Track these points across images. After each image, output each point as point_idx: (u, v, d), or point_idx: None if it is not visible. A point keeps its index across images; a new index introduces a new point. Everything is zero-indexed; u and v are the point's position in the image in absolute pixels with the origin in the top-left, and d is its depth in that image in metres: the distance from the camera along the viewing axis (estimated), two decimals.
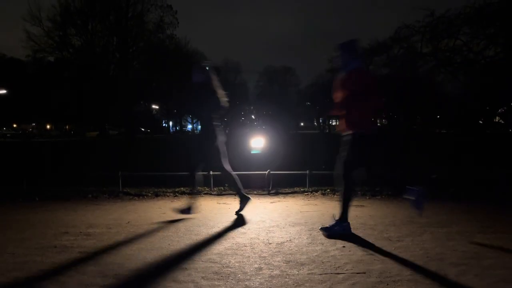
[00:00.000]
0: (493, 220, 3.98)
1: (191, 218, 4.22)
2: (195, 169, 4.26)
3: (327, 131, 62.25)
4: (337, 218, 3.55)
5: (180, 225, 3.93)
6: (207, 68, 4.25)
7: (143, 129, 50.45)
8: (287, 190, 5.89)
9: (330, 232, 3.49)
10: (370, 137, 3.47)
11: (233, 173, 4.36)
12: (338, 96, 3.50)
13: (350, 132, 3.47)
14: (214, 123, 4.22)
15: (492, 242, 3.22)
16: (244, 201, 4.39)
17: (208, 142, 4.19)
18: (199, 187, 4.46)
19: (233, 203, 5.12)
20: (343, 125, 3.53)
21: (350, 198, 3.54)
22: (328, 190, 5.73)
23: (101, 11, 35.61)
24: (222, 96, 4.27)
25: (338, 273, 2.56)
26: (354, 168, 3.52)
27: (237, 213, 4.36)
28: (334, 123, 71.40)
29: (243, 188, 4.41)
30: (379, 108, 3.63)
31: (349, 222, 3.55)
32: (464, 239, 3.33)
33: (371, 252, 3.00)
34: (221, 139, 4.26)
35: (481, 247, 3.09)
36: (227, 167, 4.32)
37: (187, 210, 4.25)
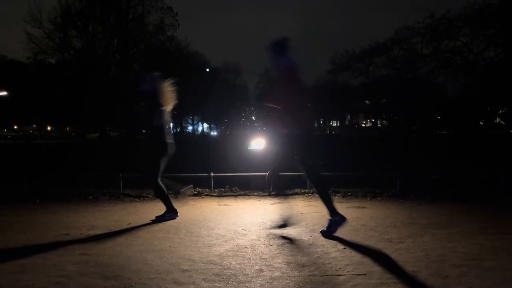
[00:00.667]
0: (494, 221, 3.98)
1: (191, 219, 4.22)
2: (157, 179, 4.24)
3: (328, 132, 62.22)
4: (329, 217, 3.56)
5: (181, 226, 3.93)
6: (156, 77, 4.26)
7: (144, 131, 50.45)
8: (287, 191, 5.87)
9: (331, 231, 3.50)
10: (306, 135, 3.50)
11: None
12: (274, 95, 3.54)
13: (286, 130, 3.51)
14: (164, 134, 4.20)
15: (493, 243, 3.22)
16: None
17: (155, 153, 4.18)
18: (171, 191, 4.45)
19: (234, 205, 5.12)
20: (279, 123, 3.56)
21: (326, 192, 3.57)
22: (329, 191, 5.72)
23: (102, 13, 35.65)
24: (170, 104, 4.29)
25: (339, 275, 2.56)
26: (312, 164, 3.54)
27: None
28: (334, 124, 71.43)
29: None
30: (309, 106, 3.63)
31: (341, 214, 3.54)
32: (465, 240, 3.33)
33: (372, 253, 3.00)
34: (170, 152, 4.25)
35: (482, 248, 3.09)
36: (159, 181, 4.26)
37: (163, 217, 4.25)
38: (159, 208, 4.95)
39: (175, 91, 4.40)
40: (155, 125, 4.17)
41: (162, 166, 4.22)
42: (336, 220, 3.50)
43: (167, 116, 4.26)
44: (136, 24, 36.88)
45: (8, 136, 44.24)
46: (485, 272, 2.58)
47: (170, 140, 4.24)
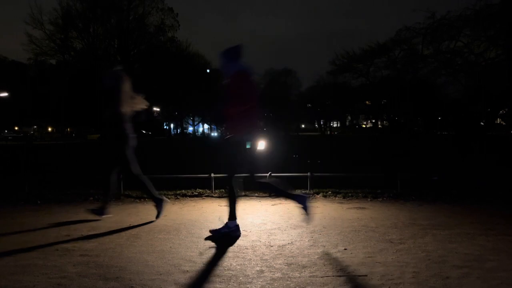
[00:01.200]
0: (495, 222, 3.97)
1: (192, 220, 4.22)
2: (111, 174, 4.27)
3: (329, 133, 62.23)
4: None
5: (181, 227, 3.93)
6: (118, 73, 4.27)
7: (144, 132, 50.49)
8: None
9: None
10: (249, 142, 3.52)
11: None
12: (226, 101, 3.54)
13: (235, 135, 3.53)
14: (124, 128, 4.20)
15: (494, 244, 3.22)
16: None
17: (118, 147, 4.19)
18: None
19: None
20: (230, 128, 3.59)
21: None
22: (330, 192, 5.72)
23: (103, 14, 35.74)
24: (138, 102, 4.30)
25: (339, 276, 2.56)
26: (239, 171, 3.57)
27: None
28: (335, 125, 71.45)
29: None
30: (255, 113, 3.62)
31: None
32: (466, 241, 3.33)
33: (372, 254, 2.99)
34: (131, 144, 4.26)
35: (483, 250, 3.08)
36: (137, 171, 4.28)
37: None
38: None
39: (141, 95, 4.40)
40: (114, 120, 4.17)
41: (130, 157, 4.23)
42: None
43: (128, 113, 4.25)
44: (137, 25, 36.98)
45: (9, 137, 44.28)
46: (486, 273, 2.57)
47: (131, 134, 4.24)
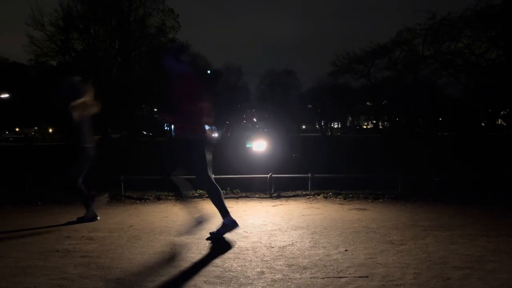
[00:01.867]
0: (497, 223, 3.97)
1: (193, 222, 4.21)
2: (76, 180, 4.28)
3: (329, 133, 62.18)
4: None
5: (182, 229, 3.92)
6: (76, 82, 4.28)
7: (144, 132, 50.53)
8: (289, 193, 5.88)
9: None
10: (201, 142, 3.53)
11: (83, 187, 4.34)
12: (171, 101, 3.55)
13: (182, 136, 3.53)
14: (83, 137, 4.23)
15: (496, 246, 3.21)
16: (90, 213, 4.31)
17: (78, 154, 4.23)
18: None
19: (235, 207, 5.12)
20: (176, 129, 3.60)
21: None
22: (330, 193, 5.72)
23: (103, 15, 35.78)
24: (92, 107, 4.29)
25: (340, 277, 2.56)
26: (206, 169, 3.54)
27: (79, 221, 4.24)
28: (335, 126, 71.41)
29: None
30: (207, 114, 3.64)
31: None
32: (467, 242, 3.32)
33: (373, 255, 2.99)
34: (91, 153, 4.29)
35: (484, 251, 3.08)
36: (79, 182, 4.31)
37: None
38: (161, 210, 4.96)
39: (98, 102, 4.38)
40: (74, 130, 4.20)
41: (85, 167, 4.29)
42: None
43: (86, 121, 4.27)
44: (137, 26, 37.00)
45: (10, 139, 44.32)
46: (487, 275, 2.57)
47: (89, 144, 4.27)
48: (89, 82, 4.39)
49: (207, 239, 3.52)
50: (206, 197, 5.74)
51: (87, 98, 4.28)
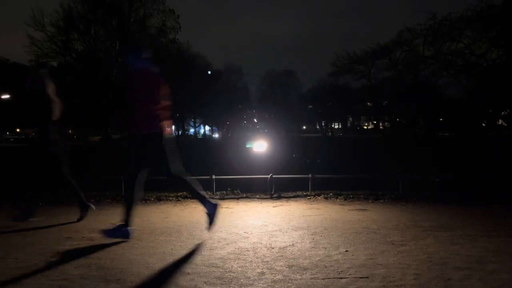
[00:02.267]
0: (497, 224, 3.97)
1: (193, 222, 4.21)
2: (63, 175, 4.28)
3: (330, 134, 62.15)
4: (121, 223, 3.54)
5: (183, 229, 3.93)
6: (42, 76, 4.25)
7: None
8: (289, 194, 5.88)
9: (113, 234, 3.48)
10: (159, 137, 3.51)
11: (73, 180, 4.34)
12: (130, 98, 3.56)
13: (138, 132, 3.53)
14: (50, 130, 4.22)
15: (496, 246, 3.21)
16: (85, 210, 4.33)
17: (44, 149, 4.21)
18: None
19: (236, 207, 5.12)
20: (132, 125, 3.59)
21: (133, 200, 3.55)
22: (331, 194, 5.72)
23: (104, 16, 35.79)
24: (57, 105, 4.27)
25: (341, 278, 2.55)
26: (142, 168, 3.54)
27: (78, 221, 4.26)
28: (336, 127, 71.36)
29: (83, 196, 4.39)
30: (165, 111, 3.63)
31: (132, 228, 3.56)
32: (468, 243, 3.32)
33: (374, 256, 2.99)
34: (60, 146, 4.29)
35: (485, 251, 3.07)
36: (66, 172, 4.32)
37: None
38: (161, 211, 4.96)
39: (60, 98, 4.36)
40: (41, 125, 4.19)
41: (61, 157, 4.28)
42: (125, 231, 3.50)
43: (56, 116, 4.26)
44: (138, 27, 37.01)
45: (11, 139, 44.34)
46: (488, 275, 2.56)
47: (55, 137, 4.27)
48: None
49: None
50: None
51: (52, 92, 4.25)
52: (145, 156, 3.56)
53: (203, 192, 3.65)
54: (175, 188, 6.00)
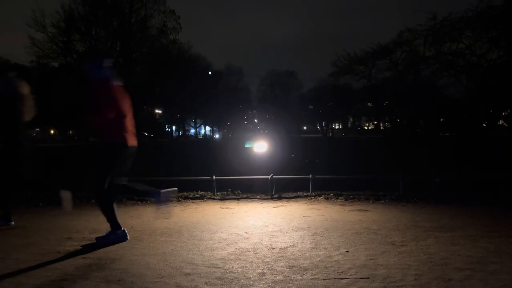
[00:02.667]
0: (498, 224, 3.96)
1: (194, 223, 4.22)
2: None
3: (331, 134, 62.13)
4: (109, 229, 3.52)
5: (183, 230, 3.93)
6: (12, 78, 4.20)
7: (146, 134, 50.64)
8: (290, 194, 5.88)
9: (105, 240, 3.45)
10: (122, 147, 3.50)
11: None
12: (89, 106, 3.52)
13: (101, 140, 3.52)
14: (18, 133, 4.16)
15: (497, 247, 3.21)
16: (3, 220, 4.20)
17: (11, 152, 4.14)
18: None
19: (236, 208, 5.12)
20: (94, 132, 3.60)
21: (108, 206, 3.50)
22: (332, 194, 5.72)
23: (105, 17, 35.82)
24: (29, 108, 4.22)
25: (341, 278, 2.55)
26: (107, 177, 3.48)
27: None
28: (336, 127, 71.35)
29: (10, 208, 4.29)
30: (126, 122, 3.58)
31: (124, 229, 3.54)
32: (469, 243, 3.32)
33: (374, 257, 2.99)
34: (28, 147, 4.24)
35: (486, 252, 3.07)
36: (23, 173, 4.27)
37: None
38: (161, 211, 4.95)
39: (33, 97, 4.30)
40: (10, 129, 4.11)
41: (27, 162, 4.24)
42: (117, 234, 3.49)
43: (26, 119, 4.21)
44: (139, 27, 37.04)
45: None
46: (489, 276, 2.56)
47: (23, 141, 4.21)
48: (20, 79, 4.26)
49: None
50: (207, 199, 5.75)
51: (28, 95, 4.20)
52: (107, 164, 3.50)
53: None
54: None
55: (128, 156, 3.57)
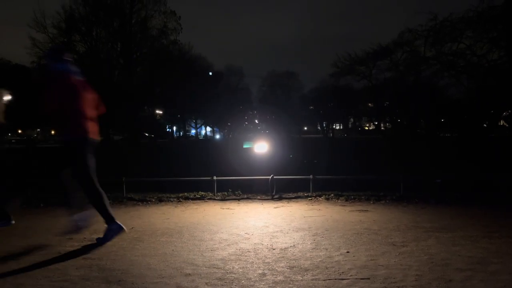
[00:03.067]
0: (499, 225, 3.96)
1: (194, 223, 4.22)
2: None
3: (331, 135, 62.11)
4: (105, 224, 3.50)
5: (184, 230, 3.93)
6: None
7: (147, 134, 50.67)
8: (290, 195, 5.88)
9: (107, 238, 3.45)
10: (85, 143, 3.47)
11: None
12: (46, 100, 3.47)
13: (64, 137, 3.49)
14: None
15: (498, 247, 3.20)
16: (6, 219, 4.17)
17: None
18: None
19: (237, 208, 5.12)
20: (56, 129, 3.56)
21: (98, 199, 3.50)
22: (332, 195, 5.71)
23: (105, 18, 35.85)
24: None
25: (342, 279, 2.55)
26: (87, 172, 3.48)
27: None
28: (337, 127, 71.31)
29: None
30: (85, 114, 3.53)
31: (117, 222, 3.50)
32: (470, 244, 3.31)
33: (375, 257, 2.99)
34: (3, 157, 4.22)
35: (486, 252, 3.07)
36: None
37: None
38: (162, 212, 4.96)
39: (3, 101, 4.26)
40: None
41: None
42: (113, 228, 3.47)
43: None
44: (139, 28, 37.06)
45: (12, 141, 44.43)
46: (490, 276, 2.56)
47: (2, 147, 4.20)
48: None
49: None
50: (208, 199, 5.75)
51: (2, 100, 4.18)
52: (68, 161, 3.48)
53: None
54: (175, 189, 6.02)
55: (90, 150, 3.52)
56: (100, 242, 3.46)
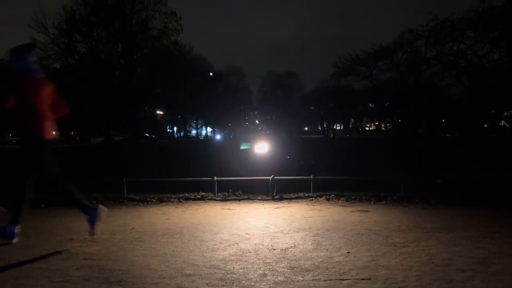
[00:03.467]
0: (500, 225, 3.95)
1: (195, 224, 4.22)
2: None
3: (332, 135, 62.11)
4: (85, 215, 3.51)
5: (185, 231, 3.93)
6: None
7: (147, 135, 50.69)
8: (291, 195, 5.88)
9: (93, 229, 3.48)
10: (41, 142, 3.46)
11: None
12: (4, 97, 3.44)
13: (20, 135, 3.49)
14: None
15: (499, 248, 3.20)
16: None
17: None
18: None
19: (237, 209, 5.12)
20: (14, 127, 3.53)
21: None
22: (333, 195, 5.71)
23: (106, 18, 35.90)
24: None
25: (343, 279, 2.55)
26: (28, 173, 3.49)
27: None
28: (338, 128, 71.31)
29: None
30: (41, 113, 3.51)
31: (90, 206, 3.51)
32: (471, 244, 3.31)
33: (376, 258, 2.98)
34: None
35: (487, 253, 3.06)
36: None
37: None
38: (163, 212, 4.97)
39: None
40: None
41: None
42: (91, 215, 3.48)
43: None
44: (140, 29, 37.12)
45: (13, 141, 44.45)
46: (491, 277, 2.56)
47: None
48: None
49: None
50: (209, 200, 5.75)
51: None
52: (27, 160, 3.48)
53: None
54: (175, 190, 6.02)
55: (45, 150, 3.50)
56: (92, 233, 3.49)
